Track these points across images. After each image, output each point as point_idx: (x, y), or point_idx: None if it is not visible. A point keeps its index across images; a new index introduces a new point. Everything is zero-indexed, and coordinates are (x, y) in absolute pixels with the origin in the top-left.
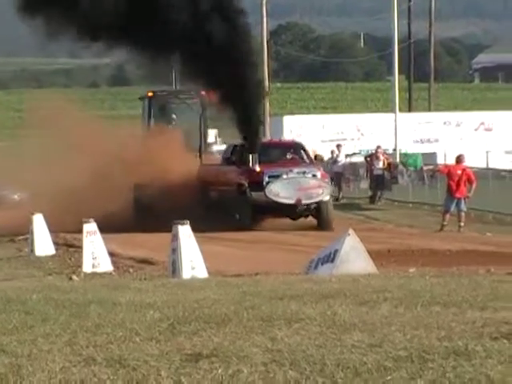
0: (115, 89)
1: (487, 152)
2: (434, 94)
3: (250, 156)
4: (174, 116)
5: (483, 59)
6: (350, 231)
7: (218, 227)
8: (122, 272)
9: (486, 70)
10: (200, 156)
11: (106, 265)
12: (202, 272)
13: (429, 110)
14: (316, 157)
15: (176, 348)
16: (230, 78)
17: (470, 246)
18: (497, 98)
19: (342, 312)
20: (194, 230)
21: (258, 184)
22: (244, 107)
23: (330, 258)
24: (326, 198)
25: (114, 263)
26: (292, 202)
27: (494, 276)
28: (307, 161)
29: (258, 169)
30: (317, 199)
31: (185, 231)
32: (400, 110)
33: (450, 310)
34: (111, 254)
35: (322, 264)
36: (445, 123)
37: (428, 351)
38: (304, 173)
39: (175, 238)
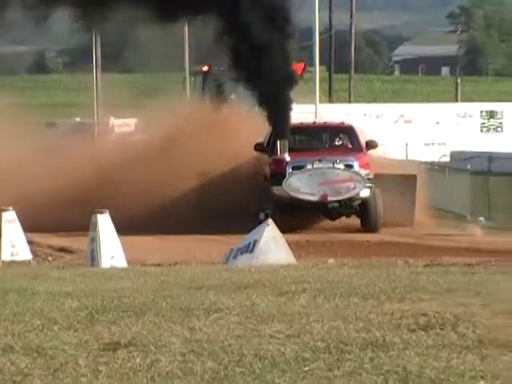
0: (35, 76)
1: (406, 144)
2: (354, 85)
3: (278, 142)
4: (232, 96)
5: (403, 51)
6: (270, 221)
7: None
8: (40, 260)
9: (406, 62)
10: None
11: (24, 253)
12: (121, 261)
13: (349, 101)
14: (368, 144)
15: (94, 337)
16: (256, 55)
17: (389, 238)
18: (416, 91)
19: (260, 302)
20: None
21: (280, 176)
22: (270, 84)
23: (250, 248)
24: (364, 192)
25: (32, 252)
26: (315, 198)
27: (412, 268)
28: (354, 148)
29: (287, 158)
30: (348, 195)
31: (104, 220)
32: (320, 101)
33: (368, 301)
34: (30, 243)
35: (242, 254)
36: (365, 115)
37: (346, 342)
38: (335, 162)
39: (94, 227)
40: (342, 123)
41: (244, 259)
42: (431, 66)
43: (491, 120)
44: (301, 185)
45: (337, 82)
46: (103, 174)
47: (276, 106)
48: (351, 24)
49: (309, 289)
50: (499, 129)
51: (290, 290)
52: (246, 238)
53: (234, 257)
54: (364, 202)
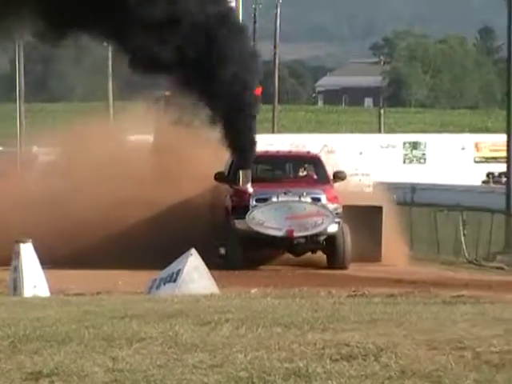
0: None
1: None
2: (277, 115)
3: (240, 173)
4: (196, 123)
5: (327, 82)
6: (193, 251)
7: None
8: None
9: (329, 92)
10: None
11: None
12: (43, 290)
13: (272, 131)
14: (336, 175)
15: (16, 367)
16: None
17: (313, 269)
18: (340, 121)
19: (183, 332)
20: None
21: (243, 209)
22: (231, 110)
23: (173, 277)
24: (331, 228)
25: None
26: (280, 233)
27: (334, 298)
28: (320, 180)
29: (250, 189)
30: (315, 230)
31: (27, 249)
32: None
33: (291, 331)
34: None
35: (165, 284)
36: (291, 145)
37: (269, 372)
38: (301, 195)
39: (17, 255)
40: (308, 153)
41: (167, 289)
42: (354, 96)
43: (414, 151)
44: (265, 219)
45: (261, 113)
46: (31, 203)
47: (238, 133)
48: (275, 54)
49: (232, 319)
50: (422, 160)
51: (213, 320)
52: (169, 268)
53: (157, 287)
54: (331, 238)
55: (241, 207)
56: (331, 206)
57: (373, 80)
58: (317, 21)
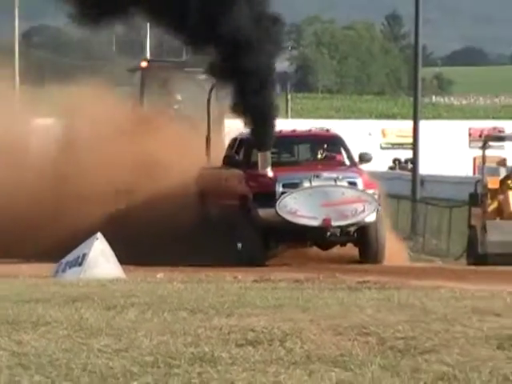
0: None
1: None
2: None
3: (259, 155)
4: (178, 96)
5: None
6: (99, 235)
7: (214, 261)
8: None
9: None
10: (207, 153)
11: None
12: None
13: None
14: (361, 157)
15: None
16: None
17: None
18: None
19: (89, 316)
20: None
21: (267, 196)
22: (253, 87)
23: (78, 261)
24: (371, 217)
25: None
26: (317, 223)
27: (240, 283)
28: (347, 162)
29: (270, 174)
30: (356, 219)
31: None
32: None
33: (196, 316)
34: None
35: (70, 267)
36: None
37: (174, 357)
38: (337, 179)
39: None
40: (328, 131)
41: (73, 273)
42: None
43: None
44: (298, 207)
45: None
46: None
47: (261, 110)
48: None
49: (137, 303)
50: None
51: (119, 304)
52: (75, 252)
53: (63, 270)
54: (365, 228)
55: (265, 194)
56: (370, 192)
57: (280, 66)
58: None
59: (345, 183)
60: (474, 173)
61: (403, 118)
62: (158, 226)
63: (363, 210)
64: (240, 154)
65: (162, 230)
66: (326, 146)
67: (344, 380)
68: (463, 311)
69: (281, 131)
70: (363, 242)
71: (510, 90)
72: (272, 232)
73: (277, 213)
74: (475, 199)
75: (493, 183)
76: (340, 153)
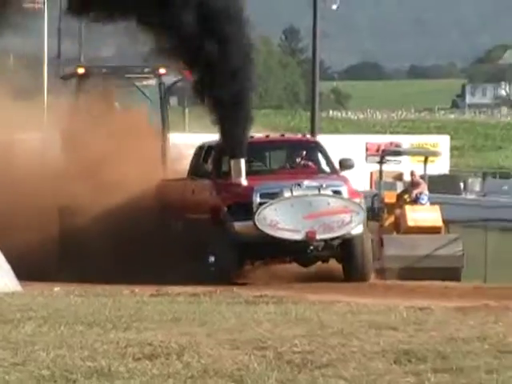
0: None
1: None
2: None
3: (232, 162)
4: (116, 104)
5: None
6: None
7: (183, 279)
8: None
9: None
10: (164, 164)
11: None
12: None
13: None
14: (342, 163)
15: None
16: (216, 52)
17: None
18: None
19: None
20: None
21: (243, 208)
22: (227, 90)
23: None
24: (358, 229)
25: None
26: (300, 237)
27: (137, 297)
28: (327, 169)
29: (244, 182)
30: (342, 232)
31: None
32: None
33: (93, 329)
34: None
35: None
36: None
37: (71, 371)
38: (320, 188)
39: None
40: (304, 136)
41: None
42: None
43: None
44: (279, 219)
45: None
46: None
47: (235, 113)
48: (80, 53)
49: (34, 317)
50: None
51: (16, 318)
52: None
53: None
54: (350, 242)
55: (240, 205)
56: (357, 201)
57: (177, 79)
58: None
59: (329, 192)
60: (371, 187)
61: (300, 131)
62: (114, 245)
63: (350, 221)
64: (208, 162)
65: (120, 249)
66: (303, 152)
67: None
68: (360, 325)
69: (253, 137)
70: (348, 258)
71: (407, 105)
72: (248, 247)
73: (255, 226)
74: (372, 214)
75: (389, 198)
76: (319, 159)
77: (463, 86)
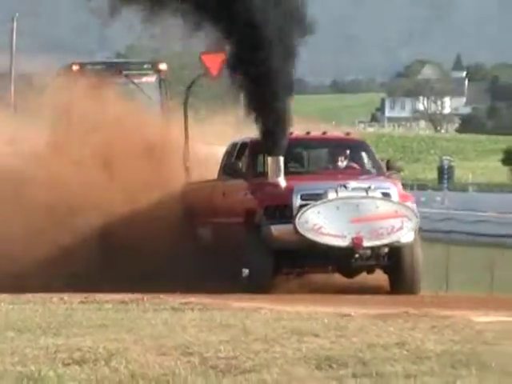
0: None
1: None
2: None
3: (269, 160)
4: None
5: None
6: None
7: (214, 288)
8: None
9: None
10: (186, 166)
11: None
12: None
13: None
14: (390, 165)
15: None
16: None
17: None
18: None
19: None
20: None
21: (282, 210)
22: (268, 82)
23: None
24: (408, 236)
25: None
26: (345, 243)
27: (67, 304)
28: (373, 170)
29: (282, 183)
30: (391, 239)
31: None
32: None
33: (24, 335)
34: None
35: None
36: None
37: (1, 376)
38: (368, 190)
39: None
40: (348, 134)
41: None
42: None
43: None
44: (323, 222)
45: None
46: None
47: (275, 108)
48: (11, 66)
49: None
50: None
51: None
52: None
53: None
54: (400, 251)
55: (279, 208)
56: (409, 205)
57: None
58: (54, 33)
59: (378, 194)
60: None
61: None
62: (139, 254)
63: (401, 228)
64: (242, 161)
65: (146, 258)
66: (347, 151)
67: None
68: (282, 332)
69: (292, 133)
70: (397, 268)
71: (329, 119)
72: (287, 254)
73: (295, 230)
74: None
75: None
76: (365, 160)
77: (383, 100)
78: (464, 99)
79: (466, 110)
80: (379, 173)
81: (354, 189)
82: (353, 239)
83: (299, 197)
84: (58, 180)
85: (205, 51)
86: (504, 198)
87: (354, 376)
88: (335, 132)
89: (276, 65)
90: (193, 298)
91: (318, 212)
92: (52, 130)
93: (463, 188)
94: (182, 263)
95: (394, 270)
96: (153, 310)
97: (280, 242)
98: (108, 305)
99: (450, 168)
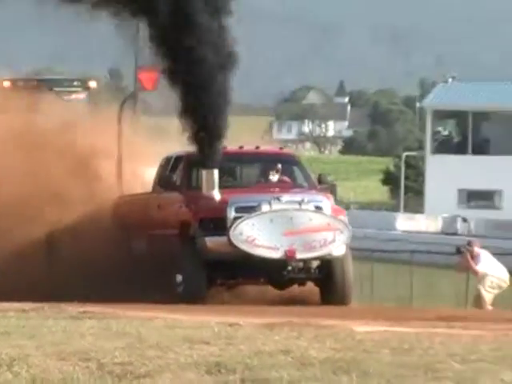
0: None
1: None
2: None
3: (204, 173)
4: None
5: None
6: None
7: (148, 300)
8: None
9: None
10: (120, 180)
11: None
12: None
13: None
14: (322, 179)
15: None
16: (193, 54)
17: None
18: None
19: None
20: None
21: (217, 222)
22: (202, 93)
23: None
24: (340, 249)
25: None
26: (278, 255)
27: None
28: (305, 184)
29: (217, 196)
30: (324, 251)
31: None
32: None
33: None
34: None
35: None
36: None
37: None
38: (301, 202)
39: None
40: (281, 149)
41: None
42: None
43: None
44: (257, 234)
45: None
46: None
47: (210, 121)
48: None
49: None
50: None
51: None
52: None
53: None
54: (331, 263)
55: (213, 220)
56: (342, 218)
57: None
58: None
59: (311, 207)
60: None
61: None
62: (77, 266)
63: (333, 240)
64: (176, 174)
65: (80, 272)
66: (280, 166)
67: None
68: (175, 339)
69: (226, 147)
70: (328, 281)
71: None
72: (220, 266)
73: (230, 241)
74: None
75: None
76: (297, 174)
77: (271, 123)
78: (346, 123)
79: (349, 133)
80: (311, 187)
81: (287, 202)
82: (286, 251)
83: (233, 209)
84: None
85: (140, 67)
86: (383, 216)
87: (242, 381)
88: (268, 147)
89: (211, 79)
90: (91, 307)
91: (252, 224)
92: None
93: (346, 206)
94: (116, 275)
95: (325, 282)
96: (53, 318)
97: (214, 254)
98: (10, 313)
99: (333, 187)
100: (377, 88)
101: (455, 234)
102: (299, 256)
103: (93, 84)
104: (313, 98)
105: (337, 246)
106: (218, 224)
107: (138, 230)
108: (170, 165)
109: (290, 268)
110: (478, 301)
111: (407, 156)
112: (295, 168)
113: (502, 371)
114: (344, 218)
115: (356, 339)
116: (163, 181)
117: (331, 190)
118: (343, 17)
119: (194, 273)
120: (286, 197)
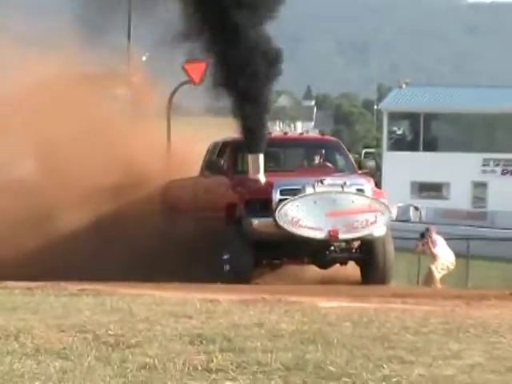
0: None
1: None
2: None
3: (250, 158)
4: None
5: None
6: None
7: (197, 279)
8: None
9: None
10: (168, 165)
11: None
12: None
13: None
14: (362, 165)
15: None
16: (237, 41)
17: None
18: None
19: None
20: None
21: (262, 204)
22: (249, 81)
23: None
24: (381, 230)
25: None
26: (322, 235)
27: None
28: (346, 169)
29: (262, 179)
30: (365, 232)
31: None
32: None
33: None
34: None
35: None
36: None
37: None
38: (343, 185)
39: None
40: (323, 136)
41: None
42: None
43: None
44: (301, 216)
45: None
46: None
47: (255, 107)
48: None
49: None
50: None
51: None
52: None
53: None
54: (372, 244)
55: (259, 202)
56: (382, 200)
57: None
58: None
59: (353, 190)
60: None
61: None
62: (125, 249)
63: (374, 221)
64: (223, 159)
65: (129, 254)
66: (323, 151)
67: (66, 369)
68: (162, 314)
69: (270, 133)
70: (369, 260)
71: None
72: (266, 246)
73: (275, 222)
74: None
75: None
76: (338, 159)
77: None
78: (313, 123)
79: (315, 132)
80: (352, 171)
81: (330, 184)
82: (329, 232)
83: (279, 191)
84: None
85: (187, 60)
86: None
87: (221, 351)
88: (311, 133)
89: (258, 70)
90: (88, 285)
91: (297, 206)
92: None
93: None
94: (166, 255)
95: (366, 262)
96: (54, 295)
97: (260, 234)
98: (17, 291)
99: (373, 172)
100: (339, 92)
101: (408, 221)
102: (342, 236)
103: (135, 79)
104: (283, 101)
105: (378, 227)
106: (264, 206)
107: (186, 212)
108: (218, 150)
109: (332, 248)
110: (429, 279)
111: (366, 152)
112: (337, 153)
113: (449, 342)
114: (384, 200)
115: (321, 313)
116: (211, 165)
117: (372, 174)
118: (311, 30)
119: (240, 253)
120: (328, 180)
